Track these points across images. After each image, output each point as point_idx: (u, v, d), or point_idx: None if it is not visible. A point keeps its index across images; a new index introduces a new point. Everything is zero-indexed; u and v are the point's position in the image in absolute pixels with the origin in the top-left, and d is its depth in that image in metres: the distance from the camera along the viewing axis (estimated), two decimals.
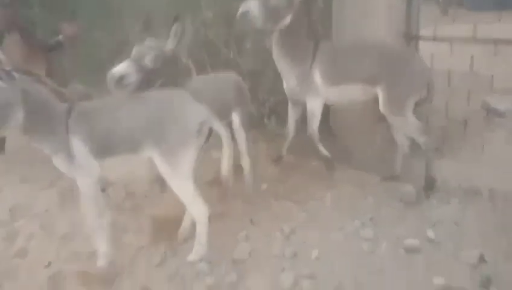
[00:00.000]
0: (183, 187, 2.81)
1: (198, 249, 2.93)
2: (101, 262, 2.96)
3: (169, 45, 3.08)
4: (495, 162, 3.70)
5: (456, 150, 4.03)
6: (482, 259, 2.75)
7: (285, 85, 3.77)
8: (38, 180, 4.38)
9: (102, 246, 2.96)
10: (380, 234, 3.12)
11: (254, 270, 2.85)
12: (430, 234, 3.07)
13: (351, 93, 3.55)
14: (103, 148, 2.78)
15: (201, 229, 2.90)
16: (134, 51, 3.03)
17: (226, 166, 2.98)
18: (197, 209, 2.86)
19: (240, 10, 3.23)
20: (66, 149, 2.76)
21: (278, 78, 3.89)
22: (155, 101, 2.81)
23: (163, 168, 2.77)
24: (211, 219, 2.92)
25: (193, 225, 3.04)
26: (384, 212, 3.40)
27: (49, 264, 3.15)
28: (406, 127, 3.49)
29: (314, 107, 3.59)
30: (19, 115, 2.65)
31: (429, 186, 3.54)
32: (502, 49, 3.54)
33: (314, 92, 3.55)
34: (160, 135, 2.74)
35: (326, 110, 3.88)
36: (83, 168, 2.80)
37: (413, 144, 3.65)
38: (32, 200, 4.03)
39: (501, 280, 2.58)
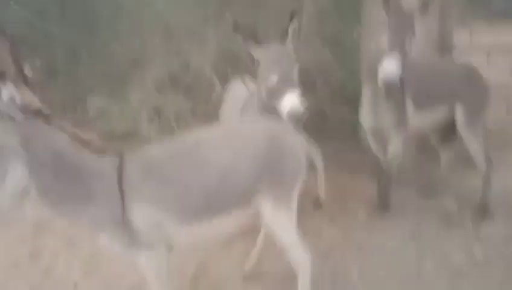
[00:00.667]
0: (293, 231, 2.33)
1: None
2: None
3: (289, 44, 2.71)
4: None
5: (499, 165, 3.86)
6: None
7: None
8: None
9: None
10: (422, 252, 2.96)
11: None
12: (477, 252, 2.90)
13: (437, 116, 3.38)
14: (197, 211, 2.16)
15: (306, 278, 2.38)
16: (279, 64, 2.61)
17: (323, 189, 2.49)
18: (301, 255, 2.35)
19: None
20: (120, 222, 2.05)
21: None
22: (268, 138, 2.26)
23: (277, 214, 2.28)
24: None
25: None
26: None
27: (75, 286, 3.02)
28: (478, 144, 3.32)
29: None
30: (17, 167, 1.89)
31: (482, 213, 3.34)
32: None
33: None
34: (277, 177, 2.25)
35: None
36: (151, 244, 2.13)
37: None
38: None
39: None
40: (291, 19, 2.67)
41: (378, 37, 3.03)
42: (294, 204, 2.31)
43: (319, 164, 2.45)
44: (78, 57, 6.18)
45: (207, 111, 4.82)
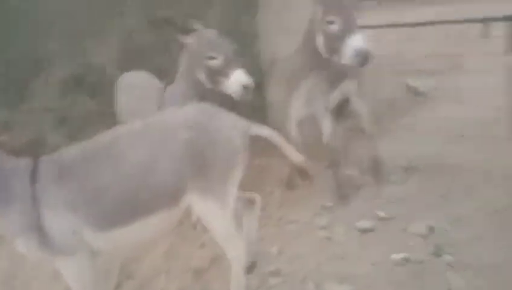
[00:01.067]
0: (226, 223, 2.21)
1: None
2: None
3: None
4: (425, 138, 3.98)
5: (388, 130, 4.27)
6: (430, 228, 2.91)
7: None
8: None
9: None
10: (334, 221, 3.19)
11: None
12: (381, 213, 3.20)
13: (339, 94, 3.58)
14: (118, 214, 2.03)
15: (240, 274, 2.31)
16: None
17: (294, 151, 2.38)
18: (236, 250, 2.27)
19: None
20: (34, 227, 1.96)
21: None
22: (188, 128, 2.10)
23: (208, 207, 2.14)
24: None
25: None
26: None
27: None
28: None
29: None
30: None
31: (377, 169, 3.64)
32: (422, 32, 3.79)
33: None
34: (203, 168, 2.08)
35: None
36: (66, 248, 2.02)
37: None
38: None
39: (453, 246, 2.74)
40: None
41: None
42: (230, 193, 2.18)
43: (270, 136, 2.32)
44: None
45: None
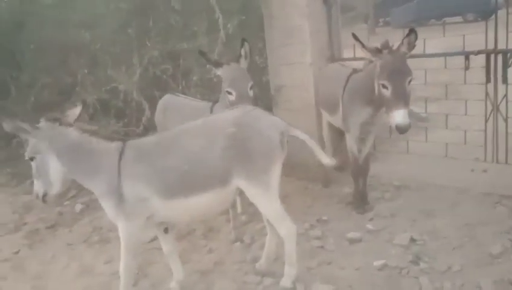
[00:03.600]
0: (273, 206, 2.66)
1: (290, 271, 2.82)
2: None
3: (243, 65, 3.26)
4: (418, 160, 4.36)
5: (388, 153, 4.67)
6: (412, 240, 3.26)
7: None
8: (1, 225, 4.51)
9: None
10: (327, 232, 3.58)
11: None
12: (369, 226, 3.57)
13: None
14: (179, 188, 2.57)
15: (291, 249, 2.76)
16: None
17: (324, 154, 2.83)
18: (286, 228, 2.69)
19: None
20: (115, 192, 2.57)
21: None
22: (233, 124, 2.59)
23: (254, 192, 2.62)
24: None
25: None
26: (330, 213, 3.86)
27: None
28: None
29: None
30: (55, 163, 2.66)
31: (363, 198, 3.93)
32: (426, 62, 4.18)
33: None
34: (246, 158, 2.55)
35: None
36: (133, 214, 2.61)
37: None
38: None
39: (428, 255, 3.09)
40: (242, 44, 3.24)
41: None
42: (273, 181, 2.60)
43: (305, 138, 2.74)
44: (7, 91, 6.25)
45: (139, 133, 5.24)
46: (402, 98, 2.96)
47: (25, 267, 3.76)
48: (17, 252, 4.03)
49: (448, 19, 16.19)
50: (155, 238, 3.69)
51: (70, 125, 2.72)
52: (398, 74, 2.99)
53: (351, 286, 2.86)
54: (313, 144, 2.79)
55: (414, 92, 4.63)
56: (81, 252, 3.90)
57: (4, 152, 6.06)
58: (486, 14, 10.44)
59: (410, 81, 3.01)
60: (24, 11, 6.60)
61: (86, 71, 5.82)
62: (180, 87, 5.31)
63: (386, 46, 3.08)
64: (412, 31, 2.98)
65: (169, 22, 5.16)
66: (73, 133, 2.69)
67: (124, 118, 5.50)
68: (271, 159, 2.60)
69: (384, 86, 3.05)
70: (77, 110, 2.81)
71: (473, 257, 3.00)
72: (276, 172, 2.63)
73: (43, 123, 2.69)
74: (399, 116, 2.95)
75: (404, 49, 3.03)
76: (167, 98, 4.08)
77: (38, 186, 2.77)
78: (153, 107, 4.86)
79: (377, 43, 3.21)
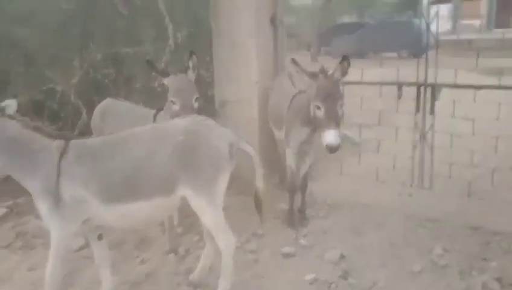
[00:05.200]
0: (217, 217, 2.66)
1: (224, 283, 2.80)
2: None
3: (190, 76, 3.32)
4: (350, 181, 4.58)
5: (322, 173, 4.86)
6: (341, 256, 3.40)
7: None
8: None
9: None
10: (262, 246, 3.63)
11: None
12: (302, 242, 3.68)
13: None
14: (122, 193, 2.52)
15: (228, 261, 2.76)
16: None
17: (261, 180, 2.83)
18: (226, 240, 2.70)
19: None
20: (52, 193, 2.48)
21: None
22: (182, 132, 2.59)
23: (198, 202, 2.60)
24: None
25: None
26: (266, 228, 3.92)
27: None
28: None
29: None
30: None
31: (301, 215, 4.08)
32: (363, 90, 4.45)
33: None
34: (194, 167, 2.55)
35: None
36: (68, 217, 2.52)
37: None
38: None
39: (356, 271, 3.24)
40: (190, 56, 3.29)
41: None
42: (218, 192, 2.62)
43: (252, 154, 2.75)
44: None
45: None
46: (333, 119, 3.13)
47: None
48: None
49: (384, 54, 17.42)
50: (84, 247, 3.58)
51: (11, 118, 2.54)
52: (331, 96, 3.17)
53: None
54: (257, 163, 2.80)
55: (350, 117, 4.94)
56: (1, 257, 3.62)
57: None
58: (418, 52, 11.40)
59: (341, 105, 3.22)
60: None
61: (20, 69, 5.51)
62: (121, 93, 5.16)
63: (322, 71, 3.24)
64: (345, 58, 3.18)
65: (115, 26, 5.05)
66: (14, 125, 2.53)
67: (58, 121, 5.23)
68: (218, 170, 2.61)
69: (318, 107, 3.21)
70: (14, 103, 2.60)
71: (396, 274, 3.18)
72: (222, 183, 2.65)
73: None
74: (330, 135, 3.11)
75: (337, 74, 3.22)
76: (108, 102, 3.96)
77: None
78: (90, 111, 4.69)
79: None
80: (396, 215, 4.03)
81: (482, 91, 4.10)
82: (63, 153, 2.53)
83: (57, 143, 2.58)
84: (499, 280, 3.02)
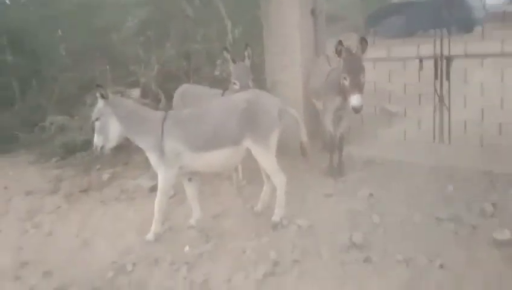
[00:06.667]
0: (271, 162, 3.63)
1: (279, 211, 3.78)
2: (150, 236, 3.86)
3: (247, 63, 4.38)
4: (383, 144, 5.45)
5: (359, 138, 5.77)
6: (370, 195, 4.31)
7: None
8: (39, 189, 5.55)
9: (156, 226, 3.86)
10: (307, 191, 4.62)
11: None
12: (340, 185, 4.63)
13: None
14: (205, 145, 3.55)
15: (282, 194, 3.74)
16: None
17: (305, 135, 3.83)
18: (279, 178, 3.69)
19: None
20: (158, 147, 3.57)
21: None
22: (245, 101, 3.57)
23: (258, 150, 3.58)
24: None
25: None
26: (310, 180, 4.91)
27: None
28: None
29: None
30: (115, 123, 3.64)
31: (340, 170, 4.99)
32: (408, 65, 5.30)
33: None
34: (254, 126, 3.53)
35: None
36: (170, 164, 3.60)
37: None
38: None
39: (382, 205, 4.13)
40: (246, 47, 4.41)
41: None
42: (272, 144, 3.61)
43: (297, 118, 3.79)
44: (29, 84, 7.27)
45: None
46: (357, 86, 4.06)
47: (68, 217, 4.73)
48: (58, 207, 4.99)
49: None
50: (172, 196, 4.63)
51: (129, 98, 3.80)
52: (354, 69, 4.09)
53: (324, 221, 3.90)
54: (300, 122, 3.83)
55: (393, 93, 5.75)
56: (113, 206, 4.88)
57: (29, 137, 6.97)
58: (467, 28, 11.85)
59: (363, 76, 4.12)
60: (53, 15, 7.63)
61: (107, 67, 6.83)
62: (191, 81, 6.35)
63: (347, 50, 4.15)
64: (363, 39, 4.10)
65: (185, 27, 6.25)
66: (131, 103, 3.90)
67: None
68: (271, 127, 3.61)
69: (345, 78, 4.15)
70: (136, 91, 3.94)
71: (414, 206, 4.01)
72: (274, 137, 3.63)
73: (111, 95, 3.74)
74: (354, 99, 4.04)
75: (359, 52, 4.12)
76: (184, 86, 5.15)
77: (98, 141, 3.76)
78: (167, 97, 5.92)
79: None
80: (420, 167, 4.80)
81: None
82: (164, 120, 3.64)
83: (160, 114, 3.79)
84: (494, 205, 3.81)
